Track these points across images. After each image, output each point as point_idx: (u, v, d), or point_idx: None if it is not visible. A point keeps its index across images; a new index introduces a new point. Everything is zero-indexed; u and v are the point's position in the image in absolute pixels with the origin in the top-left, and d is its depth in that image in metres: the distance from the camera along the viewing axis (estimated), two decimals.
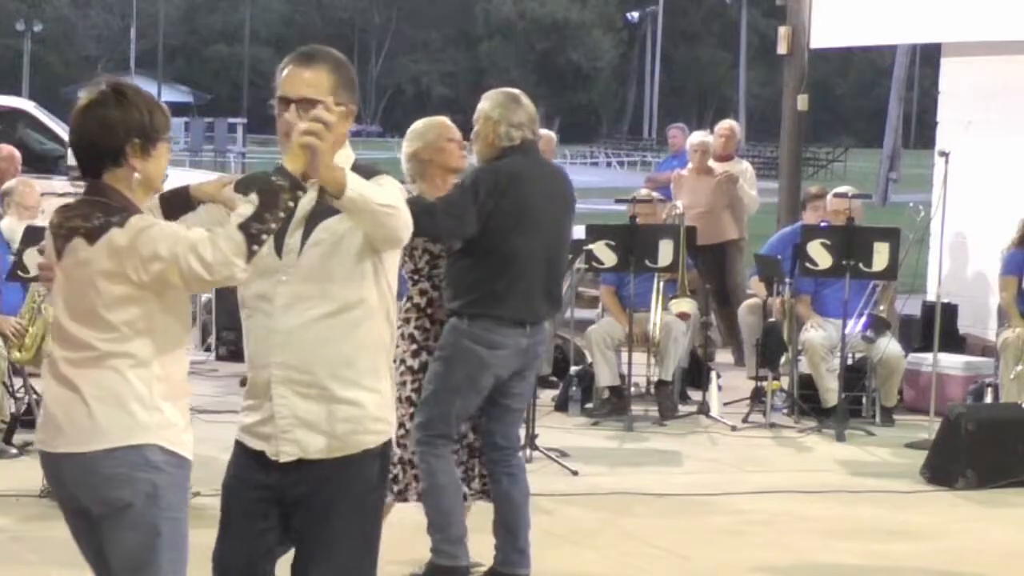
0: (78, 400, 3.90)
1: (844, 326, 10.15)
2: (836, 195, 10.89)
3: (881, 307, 10.65)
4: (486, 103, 6.20)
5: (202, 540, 5.96)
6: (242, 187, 4.12)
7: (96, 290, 3.87)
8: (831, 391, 10.22)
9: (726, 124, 13.68)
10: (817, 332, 10.37)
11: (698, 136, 13.19)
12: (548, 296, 6.28)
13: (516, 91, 6.33)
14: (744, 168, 13.29)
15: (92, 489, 3.93)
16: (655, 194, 11.58)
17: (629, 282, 10.38)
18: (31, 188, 9.76)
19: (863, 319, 10.49)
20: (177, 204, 4.19)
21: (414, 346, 6.28)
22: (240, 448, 4.26)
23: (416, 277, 6.25)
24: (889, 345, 10.42)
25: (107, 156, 3.97)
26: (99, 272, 3.86)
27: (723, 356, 12.75)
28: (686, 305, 10.58)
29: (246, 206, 3.77)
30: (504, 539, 6.35)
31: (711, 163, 12.88)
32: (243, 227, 3.73)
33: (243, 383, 10.95)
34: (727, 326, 12.80)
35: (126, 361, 3.89)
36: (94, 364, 3.89)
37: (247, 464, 4.23)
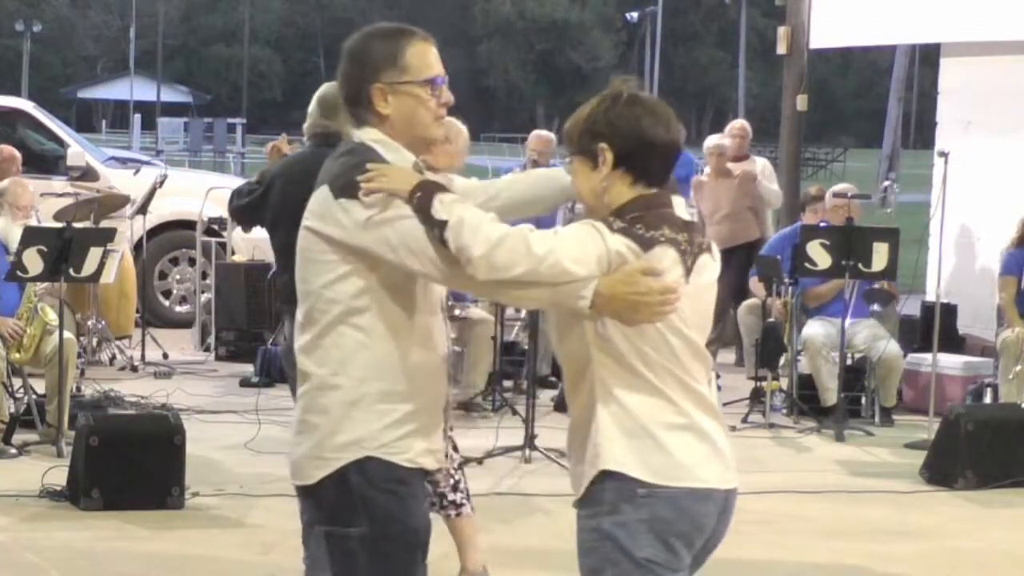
0: None
1: (844, 326, 10.14)
2: (835, 194, 10.87)
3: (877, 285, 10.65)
4: None
5: (202, 539, 5.96)
6: None
7: None
8: (830, 390, 10.22)
9: (738, 124, 13.65)
10: (818, 330, 10.35)
11: (713, 140, 13.12)
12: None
13: None
14: (762, 165, 13.24)
15: None
16: None
17: None
18: (24, 188, 9.71)
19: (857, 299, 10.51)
20: None
21: None
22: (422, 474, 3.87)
23: None
24: (888, 345, 10.43)
25: None
26: None
27: (723, 356, 12.74)
28: None
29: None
30: None
31: (728, 165, 12.86)
32: None
33: (243, 383, 11.01)
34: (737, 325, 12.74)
35: None
36: None
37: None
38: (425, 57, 3.78)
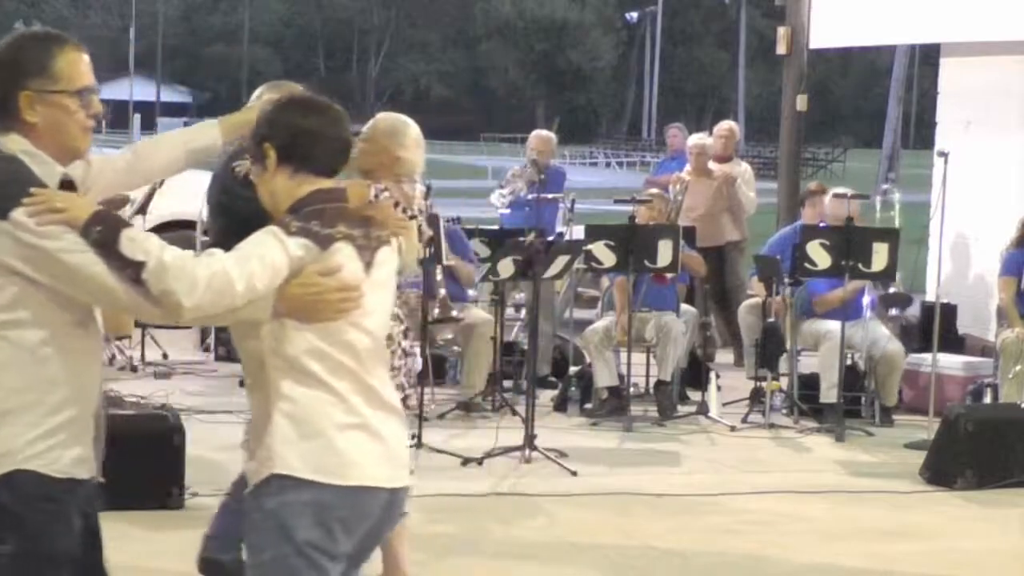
0: None
1: (844, 326, 10.14)
2: (836, 195, 10.86)
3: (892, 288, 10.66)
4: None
5: (201, 539, 5.96)
6: None
7: None
8: (836, 388, 10.18)
9: (725, 125, 13.68)
10: (836, 324, 10.28)
11: (696, 138, 13.16)
12: None
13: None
14: (743, 169, 13.28)
15: None
16: (655, 190, 11.58)
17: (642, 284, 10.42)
18: None
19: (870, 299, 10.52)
20: None
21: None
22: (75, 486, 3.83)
23: None
24: (890, 342, 10.43)
25: None
26: None
27: (723, 356, 12.75)
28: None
29: None
30: None
31: (710, 164, 12.87)
32: None
33: (243, 383, 10.99)
34: (727, 327, 12.80)
35: None
36: None
37: None
38: (77, 66, 3.68)
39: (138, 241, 3.50)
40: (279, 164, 3.73)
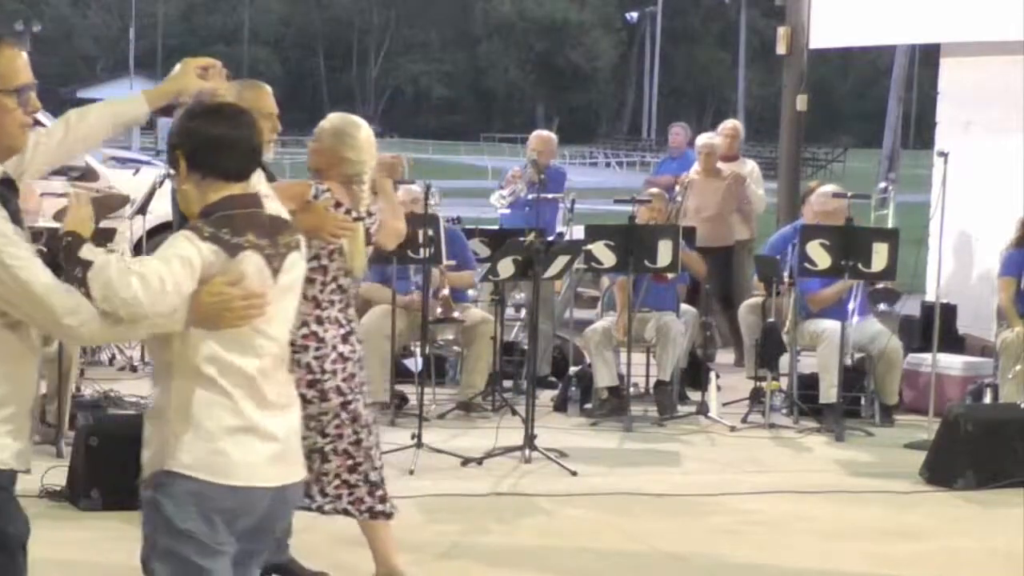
0: None
1: (843, 326, 10.14)
2: (835, 195, 10.85)
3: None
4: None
5: None
6: None
7: None
8: (836, 387, 10.18)
9: (730, 124, 13.66)
10: (833, 323, 10.28)
11: (704, 138, 13.12)
12: None
13: None
14: (751, 168, 13.27)
15: None
16: (655, 190, 11.57)
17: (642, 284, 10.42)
18: (30, 190, 9.73)
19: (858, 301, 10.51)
20: None
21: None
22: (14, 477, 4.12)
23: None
24: (890, 340, 10.42)
25: None
26: None
27: (723, 356, 12.74)
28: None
29: None
30: None
31: (718, 164, 12.86)
32: None
33: None
34: (730, 326, 12.78)
35: None
36: None
37: None
38: (14, 64, 3.72)
39: (94, 250, 3.67)
40: (189, 170, 3.85)
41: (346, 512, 6.06)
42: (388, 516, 6.11)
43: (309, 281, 5.73)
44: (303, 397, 5.57)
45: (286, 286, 3.90)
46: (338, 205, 5.90)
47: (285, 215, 4.13)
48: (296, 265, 3.93)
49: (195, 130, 3.85)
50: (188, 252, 3.70)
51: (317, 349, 5.84)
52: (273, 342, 3.89)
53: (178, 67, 4.35)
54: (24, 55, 3.74)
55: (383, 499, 6.09)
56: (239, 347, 3.80)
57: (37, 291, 3.60)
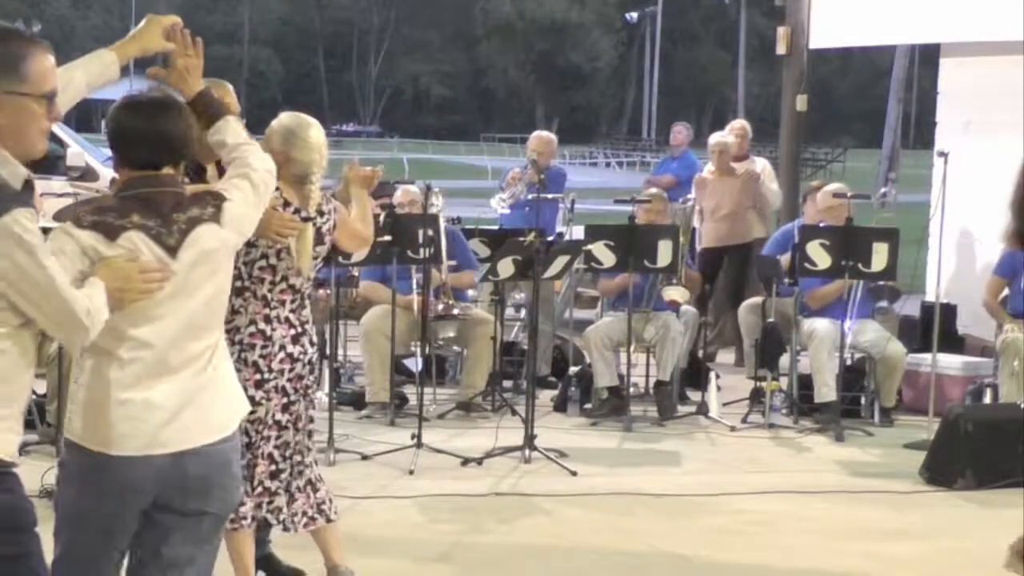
0: None
1: (844, 326, 10.14)
2: (836, 195, 10.84)
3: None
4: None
5: None
6: None
7: None
8: (829, 387, 10.19)
9: (739, 124, 13.67)
10: (826, 325, 10.30)
11: (717, 137, 13.12)
12: None
13: None
14: (763, 165, 13.27)
15: None
16: (654, 190, 11.56)
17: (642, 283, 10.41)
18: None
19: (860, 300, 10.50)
20: None
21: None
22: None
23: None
24: (891, 343, 10.42)
25: None
26: None
27: (723, 356, 12.74)
28: (677, 293, 10.46)
29: None
30: None
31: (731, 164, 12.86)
32: None
33: None
34: (734, 326, 12.76)
35: None
36: None
37: None
38: (45, 69, 3.63)
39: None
40: (113, 156, 4.08)
41: (265, 521, 5.97)
42: (313, 522, 6.04)
43: (258, 280, 5.83)
44: (252, 399, 5.62)
45: (193, 260, 3.97)
46: (287, 204, 5.90)
47: (211, 190, 4.17)
48: (204, 237, 3.98)
49: (112, 120, 4.04)
50: (64, 244, 3.83)
51: (264, 347, 5.81)
52: (178, 314, 3.97)
53: (143, 23, 4.32)
54: (52, 59, 3.68)
55: (317, 505, 6.03)
56: (139, 320, 3.92)
57: (63, 293, 3.61)
